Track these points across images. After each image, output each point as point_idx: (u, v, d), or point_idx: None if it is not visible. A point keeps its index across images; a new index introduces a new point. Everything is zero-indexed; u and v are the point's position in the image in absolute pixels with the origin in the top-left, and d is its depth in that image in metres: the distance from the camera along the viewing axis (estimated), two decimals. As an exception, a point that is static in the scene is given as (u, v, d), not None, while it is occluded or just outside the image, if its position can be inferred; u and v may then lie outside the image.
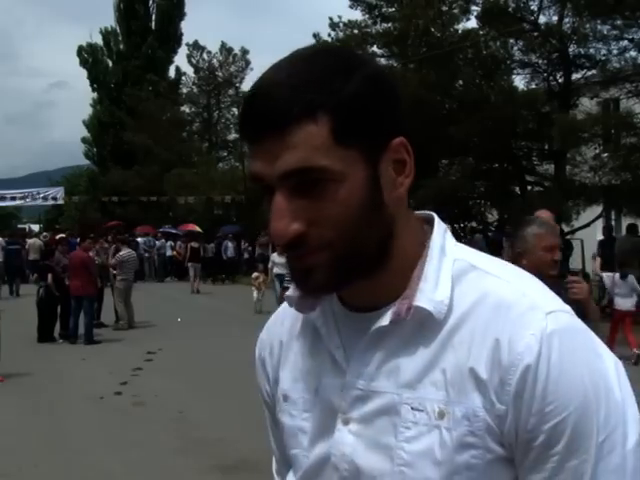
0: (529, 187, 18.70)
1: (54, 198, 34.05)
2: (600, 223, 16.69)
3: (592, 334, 0.86)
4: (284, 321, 1.03)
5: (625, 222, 15.04)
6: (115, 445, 6.02)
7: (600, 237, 15.08)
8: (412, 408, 0.85)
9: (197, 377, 8.69)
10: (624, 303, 9.52)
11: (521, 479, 0.84)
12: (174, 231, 29.15)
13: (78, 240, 13.36)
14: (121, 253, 13.57)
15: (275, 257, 13.27)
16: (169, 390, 8.02)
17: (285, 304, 1.02)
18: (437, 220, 0.95)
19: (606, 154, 15.53)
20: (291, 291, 0.96)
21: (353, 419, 0.89)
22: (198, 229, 27.70)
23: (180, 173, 31.03)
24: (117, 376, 8.66)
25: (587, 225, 16.46)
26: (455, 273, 0.89)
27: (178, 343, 11.22)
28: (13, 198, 34.37)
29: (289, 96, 0.79)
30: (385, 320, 0.87)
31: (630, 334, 9.46)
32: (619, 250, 13.15)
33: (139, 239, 25.85)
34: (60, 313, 12.18)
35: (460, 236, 21.56)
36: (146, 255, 25.39)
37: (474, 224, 21.28)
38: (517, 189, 18.95)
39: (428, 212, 0.98)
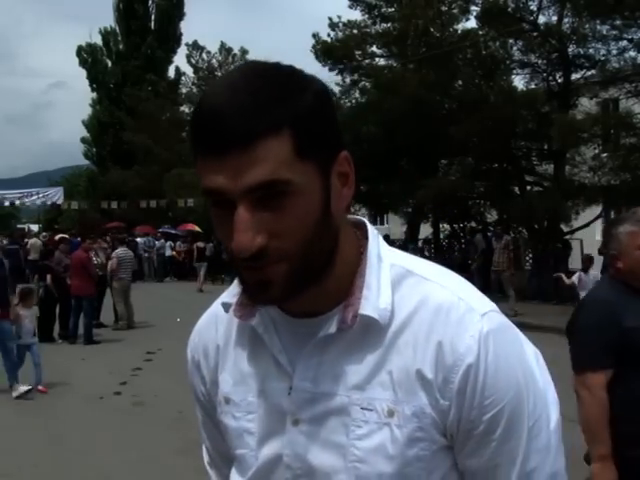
0: (528, 187, 18.70)
1: (53, 204, 34.04)
2: (600, 223, 16.70)
3: (517, 329, 0.95)
4: (218, 326, 1.06)
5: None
6: (115, 445, 6.02)
7: (599, 237, 15.07)
8: (362, 408, 0.91)
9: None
10: None
11: (461, 464, 0.93)
12: (173, 231, 29.15)
13: (79, 240, 13.33)
14: (117, 251, 13.55)
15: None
16: (169, 390, 8.01)
17: (214, 309, 1.07)
18: (370, 226, 0.99)
19: (605, 154, 15.54)
20: (227, 297, 1.00)
21: (302, 420, 0.94)
22: (198, 229, 27.72)
23: (180, 173, 30.98)
24: (117, 376, 8.66)
25: (586, 225, 16.47)
26: (393, 279, 0.94)
27: (178, 343, 11.12)
28: (12, 198, 34.35)
29: (253, 111, 0.81)
30: (332, 328, 0.91)
31: None
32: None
33: (138, 239, 25.84)
34: (59, 313, 12.17)
35: (460, 236, 21.59)
36: (146, 255, 25.39)
37: (473, 224, 21.29)
38: (516, 189, 18.95)
39: (358, 218, 1.01)
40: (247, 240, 0.83)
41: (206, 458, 1.18)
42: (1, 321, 7.88)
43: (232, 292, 1.01)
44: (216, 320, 1.07)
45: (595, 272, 11.34)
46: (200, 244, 22.35)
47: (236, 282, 1.01)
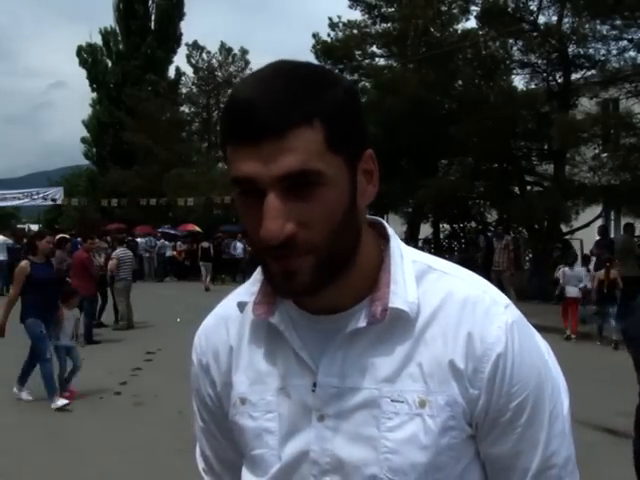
0: (528, 187, 18.70)
1: (53, 199, 34.00)
2: (600, 223, 16.70)
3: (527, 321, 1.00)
4: (229, 327, 1.06)
5: (624, 222, 15.06)
6: (115, 445, 6.02)
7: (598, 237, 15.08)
8: (392, 400, 0.92)
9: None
10: (572, 291, 11.40)
11: (484, 452, 0.96)
12: (173, 232, 29.13)
13: (79, 240, 13.32)
14: (116, 252, 13.54)
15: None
16: (169, 390, 8.01)
17: (220, 311, 1.07)
18: (387, 225, 1.02)
19: (605, 154, 15.54)
20: (243, 297, 1.01)
21: (328, 415, 0.95)
22: (198, 229, 27.71)
23: (180, 173, 30.98)
24: (117, 376, 8.65)
25: (586, 225, 16.47)
26: (416, 274, 0.97)
27: (178, 343, 11.17)
28: (12, 198, 34.33)
29: (288, 102, 0.84)
30: (362, 322, 0.93)
31: (574, 317, 11.34)
32: (615, 249, 13.36)
33: (139, 239, 25.84)
34: None
35: (460, 236, 21.59)
36: (146, 255, 25.39)
37: (473, 224, 21.29)
38: (516, 189, 18.95)
39: (374, 217, 1.03)
40: (277, 227, 0.84)
41: (201, 465, 1.17)
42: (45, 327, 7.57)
43: (248, 291, 1.02)
44: (226, 321, 1.07)
45: (579, 268, 11.92)
46: (205, 244, 22.53)
47: (251, 281, 1.03)
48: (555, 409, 0.96)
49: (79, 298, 11.47)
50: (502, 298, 0.97)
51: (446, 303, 0.94)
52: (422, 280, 0.96)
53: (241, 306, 1.02)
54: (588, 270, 12.36)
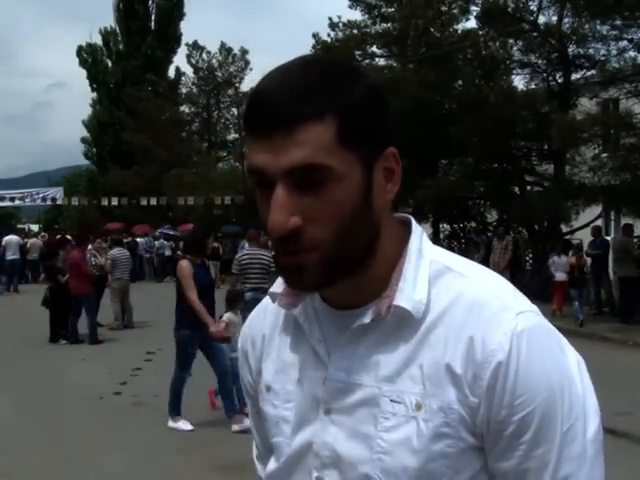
0: (528, 187, 18.70)
1: (53, 199, 34.02)
2: (600, 223, 16.70)
3: (558, 333, 0.93)
4: (266, 315, 1.08)
5: (624, 222, 15.07)
6: (115, 445, 6.02)
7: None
8: (391, 400, 0.91)
9: (197, 377, 8.68)
10: (560, 275, 13.47)
11: (490, 466, 0.90)
12: (172, 232, 29.14)
13: (74, 242, 13.30)
14: (112, 252, 13.52)
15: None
16: (169, 390, 8.02)
17: (267, 299, 1.09)
18: (414, 223, 1.00)
19: (605, 154, 15.52)
20: (275, 287, 1.02)
21: (334, 409, 0.95)
22: (198, 229, 27.70)
23: (179, 173, 31.01)
24: (116, 376, 8.65)
25: (586, 225, 16.46)
26: (432, 274, 0.94)
27: (178, 343, 11.20)
28: (12, 198, 34.33)
29: (301, 96, 0.84)
30: (367, 318, 0.92)
31: (560, 297, 13.62)
32: (612, 249, 13.44)
33: (139, 239, 25.84)
34: (64, 313, 12.09)
35: (460, 236, 21.59)
36: (146, 255, 25.39)
37: (473, 224, 21.29)
38: (516, 189, 18.95)
39: (405, 215, 1.02)
40: (281, 220, 0.84)
41: (255, 452, 1.18)
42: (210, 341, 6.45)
43: (280, 281, 1.02)
44: (265, 310, 1.09)
45: (566, 257, 13.59)
46: (215, 244, 22.57)
47: None
48: (572, 430, 0.87)
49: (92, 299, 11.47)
50: (519, 304, 0.91)
51: (454, 305, 0.91)
52: (437, 281, 0.94)
53: (273, 296, 1.03)
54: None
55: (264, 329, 1.08)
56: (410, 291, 0.92)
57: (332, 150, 0.84)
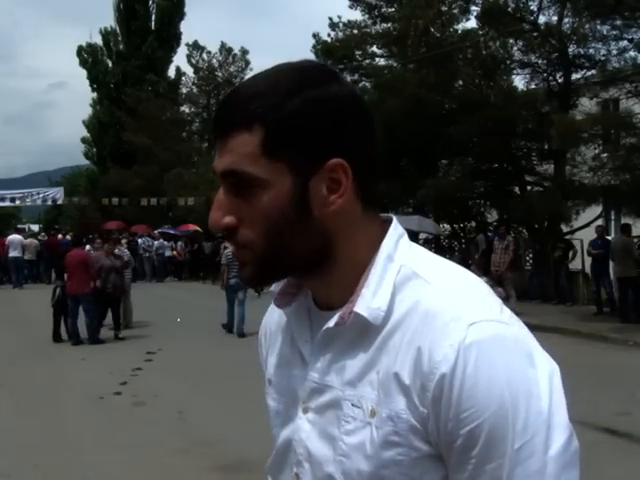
0: (529, 187, 18.70)
1: (54, 200, 34.04)
2: (600, 223, 16.70)
3: (527, 343, 0.89)
4: (274, 311, 1.13)
5: (623, 222, 15.06)
6: (115, 445, 6.02)
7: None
8: (352, 404, 0.93)
9: (197, 377, 8.69)
10: None
11: (450, 477, 0.89)
12: (172, 232, 29.14)
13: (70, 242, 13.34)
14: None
15: None
16: (169, 390, 8.02)
17: None
18: (393, 225, 0.99)
19: (605, 154, 15.52)
20: (273, 286, 1.06)
21: (310, 408, 0.99)
22: (198, 229, 27.72)
23: (180, 173, 31.01)
24: (117, 376, 8.65)
25: (587, 225, 16.46)
26: (399, 280, 0.93)
27: (178, 343, 11.22)
28: (13, 198, 34.33)
29: (239, 105, 0.90)
30: (332, 322, 0.95)
31: None
32: (611, 249, 13.41)
33: (139, 239, 25.86)
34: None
35: (460, 236, 21.59)
36: (146, 255, 25.40)
37: (474, 224, 21.29)
38: (517, 189, 18.95)
39: (388, 216, 1.02)
40: (215, 218, 0.92)
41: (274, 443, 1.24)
42: None
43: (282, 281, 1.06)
44: (274, 306, 1.13)
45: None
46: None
47: None
48: (528, 446, 0.84)
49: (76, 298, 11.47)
50: (475, 314, 0.87)
51: (411, 313, 0.90)
52: (403, 287, 0.93)
53: (272, 295, 1.08)
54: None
55: (271, 324, 1.14)
56: (370, 298, 0.92)
57: (255, 159, 0.89)
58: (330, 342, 0.97)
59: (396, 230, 0.98)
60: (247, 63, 38.30)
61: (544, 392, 0.86)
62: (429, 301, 0.90)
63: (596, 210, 16.72)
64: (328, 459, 0.95)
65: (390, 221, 1.00)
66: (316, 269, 0.96)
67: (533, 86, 18.55)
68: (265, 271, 0.95)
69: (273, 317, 1.13)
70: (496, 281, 14.52)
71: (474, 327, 0.86)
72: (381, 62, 21.94)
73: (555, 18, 17.27)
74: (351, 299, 0.94)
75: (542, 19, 17.26)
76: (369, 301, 0.92)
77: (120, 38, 40.24)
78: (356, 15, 21.82)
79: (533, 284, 16.70)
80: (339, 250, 0.95)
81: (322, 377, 0.97)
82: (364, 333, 0.93)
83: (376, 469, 0.90)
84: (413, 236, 17.37)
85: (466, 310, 0.88)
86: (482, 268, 11.98)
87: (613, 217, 20.38)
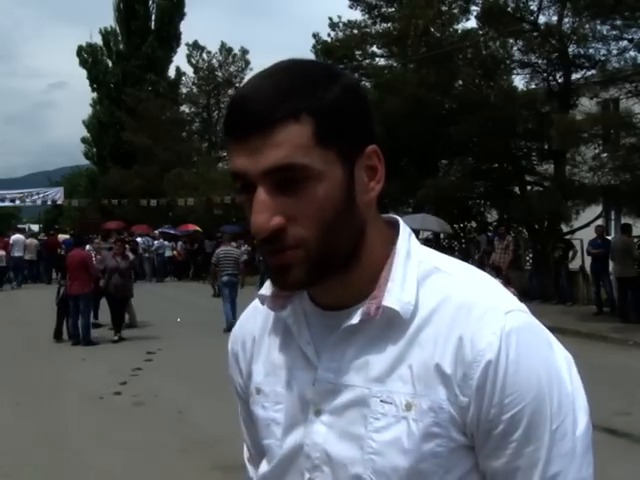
0: (529, 187, 18.70)
1: (54, 200, 34.06)
2: (600, 223, 16.70)
3: (547, 331, 0.94)
4: (256, 317, 1.09)
5: (623, 222, 15.07)
6: (115, 445, 6.02)
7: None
8: (381, 401, 0.92)
9: (197, 377, 8.69)
10: None
11: (481, 465, 0.91)
12: (172, 232, 29.12)
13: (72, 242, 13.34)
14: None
15: None
16: (169, 390, 8.02)
17: (256, 301, 1.09)
18: (402, 224, 1.00)
19: (605, 154, 15.52)
20: (263, 290, 1.03)
21: (325, 411, 0.96)
22: (199, 229, 27.72)
23: (180, 173, 31.00)
24: (117, 376, 8.66)
25: (587, 225, 16.46)
26: (420, 275, 0.95)
27: (178, 343, 11.22)
28: (13, 199, 34.35)
29: (276, 98, 0.86)
30: (355, 319, 0.93)
31: None
32: (611, 249, 13.41)
33: (139, 239, 25.86)
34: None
35: (460, 236, 21.58)
36: (146, 255, 25.40)
37: (474, 224, 21.30)
38: (517, 189, 18.95)
39: (392, 216, 1.03)
40: (263, 221, 0.86)
41: (246, 454, 1.19)
42: None
43: (268, 284, 1.03)
44: (255, 312, 1.10)
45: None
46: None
47: None
48: (562, 427, 0.88)
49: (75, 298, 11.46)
50: (506, 304, 0.92)
51: (442, 306, 0.92)
52: (425, 281, 0.94)
53: (262, 298, 1.04)
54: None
55: (254, 331, 1.08)
56: (398, 292, 0.92)
57: (309, 150, 0.86)
58: (347, 341, 0.95)
59: (406, 228, 1.00)
60: (247, 63, 38.29)
61: (566, 375, 0.91)
62: (461, 292, 0.92)
63: (596, 210, 16.72)
64: (354, 460, 0.93)
65: (391, 221, 1.01)
66: (348, 264, 0.93)
67: (533, 86, 18.56)
68: (317, 271, 0.90)
69: (253, 324, 1.09)
70: (504, 281, 14.57)
71: (510, 315, 0.90)
72: (381, 62, 21.95)
73: (555, 18, 17.28)
74: (373, 295, 0.93)
75: (542, 19, 17.27)
76: (398, 295, 0.92)
77: (120, 38, 40.25)
78: (356, 15, 21.83)
79: (533, 284, 16.70)
80: (365, 245, 0.94)
81: (339, 377, 0.95)
82: (390, 328, 0.93)
83: (415, 463, 0.89)
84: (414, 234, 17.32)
85: (498, 300, 0.92)
86: (495, 269, 11.90)
87: (613, 217, 20.38)
